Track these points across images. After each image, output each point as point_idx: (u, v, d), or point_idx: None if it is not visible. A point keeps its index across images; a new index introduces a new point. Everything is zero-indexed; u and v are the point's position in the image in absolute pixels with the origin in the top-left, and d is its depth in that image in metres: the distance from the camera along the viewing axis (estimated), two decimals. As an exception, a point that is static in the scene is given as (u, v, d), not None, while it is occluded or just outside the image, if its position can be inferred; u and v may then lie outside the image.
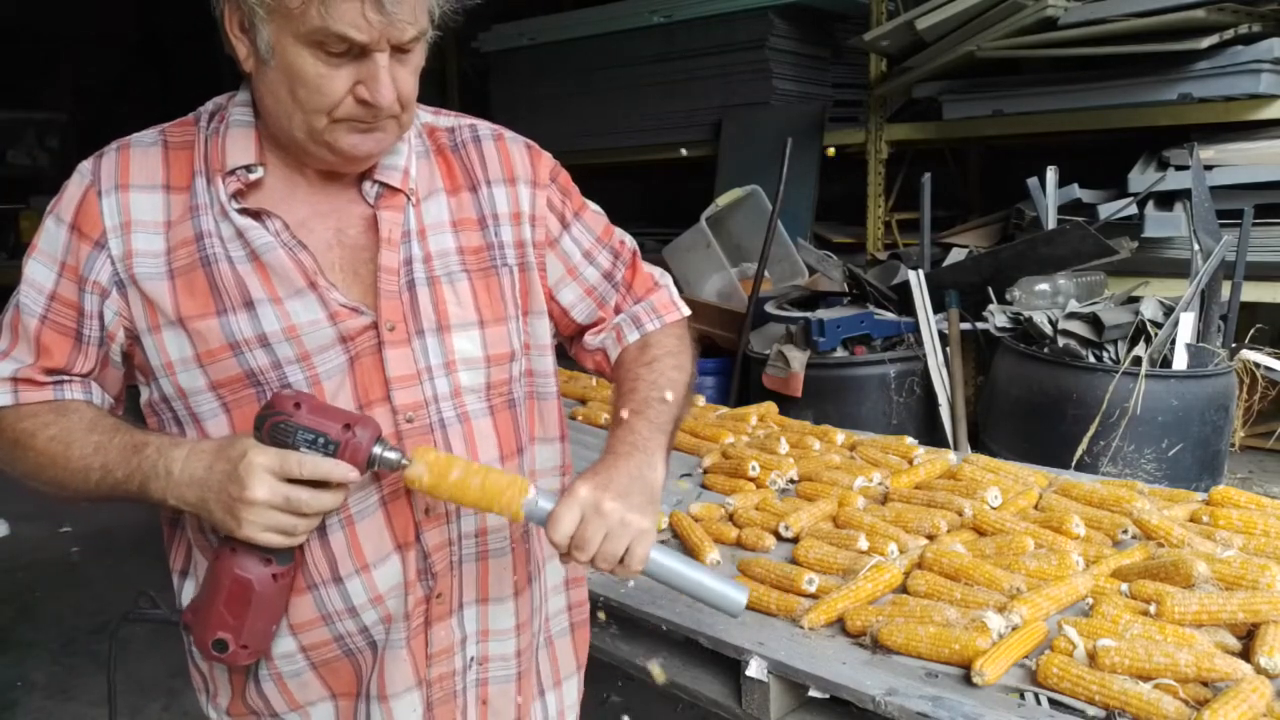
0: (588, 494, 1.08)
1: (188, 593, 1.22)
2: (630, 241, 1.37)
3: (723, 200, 4.68)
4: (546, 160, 1.29)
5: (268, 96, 1.09)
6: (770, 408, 3.06)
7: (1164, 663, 1.40)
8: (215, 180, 1.11)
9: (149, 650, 3.65)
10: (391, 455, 1.06)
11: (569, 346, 1.39)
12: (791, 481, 2.39)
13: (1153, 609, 1.57)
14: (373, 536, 1.14)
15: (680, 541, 2.13)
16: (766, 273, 4.31)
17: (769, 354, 3.76)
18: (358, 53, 1.03)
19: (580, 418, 3.07)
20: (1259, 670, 1.41)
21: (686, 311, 1.36)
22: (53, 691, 3.38)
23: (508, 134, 1.29)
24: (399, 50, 1.05)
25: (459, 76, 7.16)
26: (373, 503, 1.14)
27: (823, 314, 3.80)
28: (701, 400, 3.19)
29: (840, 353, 3.70)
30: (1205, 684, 1.40)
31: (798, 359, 3.63)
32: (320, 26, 1.00)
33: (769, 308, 4.05)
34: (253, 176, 1.11)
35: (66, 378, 1.14)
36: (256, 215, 1.11)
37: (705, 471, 2.50)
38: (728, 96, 5.40)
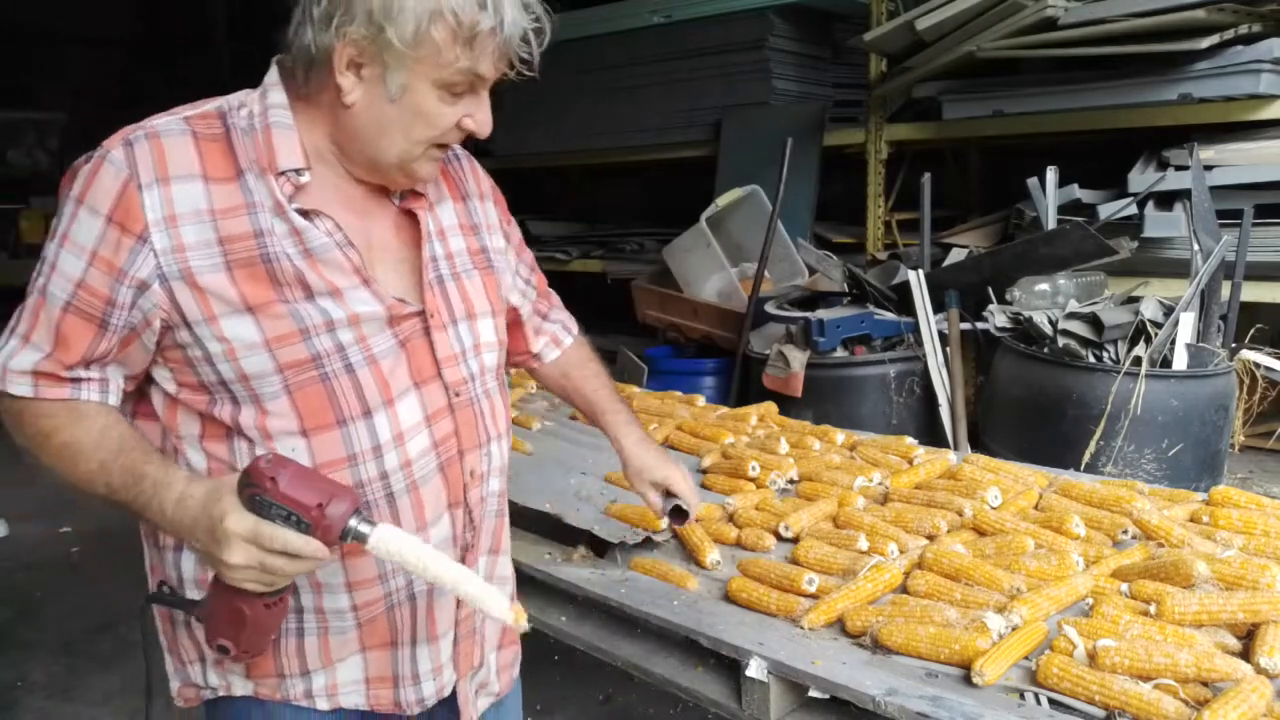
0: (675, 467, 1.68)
1: (187, 564, 1.25)
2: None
3: (723, 200, 4.68)
4: (492, 181, 1.48)
5: (372, 127, 1.17)
6: (770, 408, 3.06)
7: (1164, 663, 1.40)
8: (267, 178, 1.16)
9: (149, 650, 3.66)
10: (364, 529, 1.08)
11: None
12: (791, 481, 2.39)
13: (1153, 609, 1.57)
14: (431, 499, 1.26)
15: (680, 542, 2.13)
16: (766, 273, 4.31)
17: (769, 354, 3.76)
18: (468, 93, 1.18)
19: (580, 418, 3.07)
20: (1259, 670, 1.41)
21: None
22: (53, 691, 3.38)
23: (466, 153, 1.45)
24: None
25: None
26: (432, 468, 1.26)
27: (823, 314, 3.80)
28: (701, 400, 3.19)
29: (840, 353, 3.70)
30: (1205, 684, 1.40)
31: (798, 359, 3.63)
32: (467, 67, 1.14)
33: (769, 308, 4.05)
34: (302, 180, 1.18)
35: (84, 375, 1.16)
36: (306, 214, 1.18)
37: (705, 471, 2.50)
38: (728, 96, 5.39)
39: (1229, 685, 1.36)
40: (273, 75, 1.21)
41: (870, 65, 4.79)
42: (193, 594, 1.23)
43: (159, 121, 1.17)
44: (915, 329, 3.72)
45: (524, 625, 1.15)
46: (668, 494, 1.67)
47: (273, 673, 1.26)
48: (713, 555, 2.03)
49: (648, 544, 2.14)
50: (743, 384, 4.11)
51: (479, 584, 1.12)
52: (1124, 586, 1.69)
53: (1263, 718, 1.31)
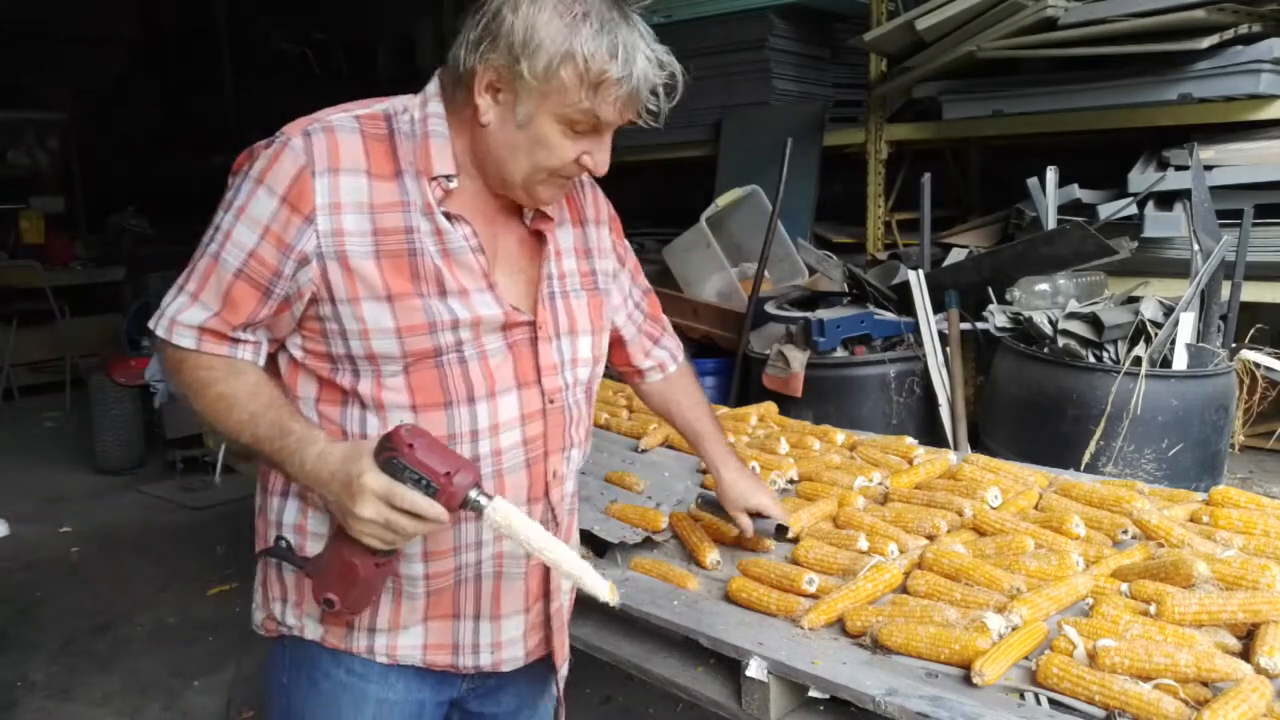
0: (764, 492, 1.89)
1: (290, 511, 1.39)
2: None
3: (723, 200, 4.68)
4: (610, 207, 1.58)
5: (502, 147, 1.29)
6: (770, 408, 3.06)
7: (1164, 663, 1.40)
8: (422, 181, 1.29)
9: (149, 650, 3.66)
10: (483, 500, 1.21)
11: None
12: (791, 481, 2.39)
13: (1153, 609, 1.57)
14: (514, 489, 1.37)
15: (680, 542, 2.13)
16: (766, 273, 4.31)
17: (769, 354, 3.76)
18: (592, 133, 1.28)
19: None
20: (1259, 670, 1.41)
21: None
22: (53, 691, 3.39)
23: (594, 182, 1.54)
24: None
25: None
26: (519, 461, 1.38)
27: (823, 314, 3.80)
28: (701, 400, 3.19)
29: (840, 353, 3.70)
30: (1205, 684, 1.40)
31: (798, 359, 3.63)
32: (589, 109, 1.24)
33: (769, 308, 4.05)
34: (452, 185, 1.31)
35: (244, 337, 1.30)
36: (450, 218, 1.31)
37: (705, 471, 2.50)
38: (728, 96, 5.39)
39: (1229, 685, 1.36)
40: (433, 85, 1.34)
41: (870, 65, 4.78)
42: (288, 537, 1.37)
43: (334, 117, 1.30)
44: (915, 329, 3.72)
45: (617, 601, 1.24)
46: (758, 515, 1.88)
47: (340, 623, 1.38)
48: (712, 555, 2.03)
49: (648, 544, 2.14)
50: (743, 384, 4.11)
51: (578, 560, 1.23)
52: (1124, 586, 1.69)
53: (1263, 718, 1.31)
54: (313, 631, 1.40)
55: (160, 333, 1.30)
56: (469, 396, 1.32)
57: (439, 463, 1.17)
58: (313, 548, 1.35)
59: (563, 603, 1.52)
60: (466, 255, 1.31)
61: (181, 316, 1.29)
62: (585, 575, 1.23)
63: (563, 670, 1.54)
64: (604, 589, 1.22)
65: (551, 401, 1.40)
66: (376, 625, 1.38)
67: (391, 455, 1.17)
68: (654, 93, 1.26)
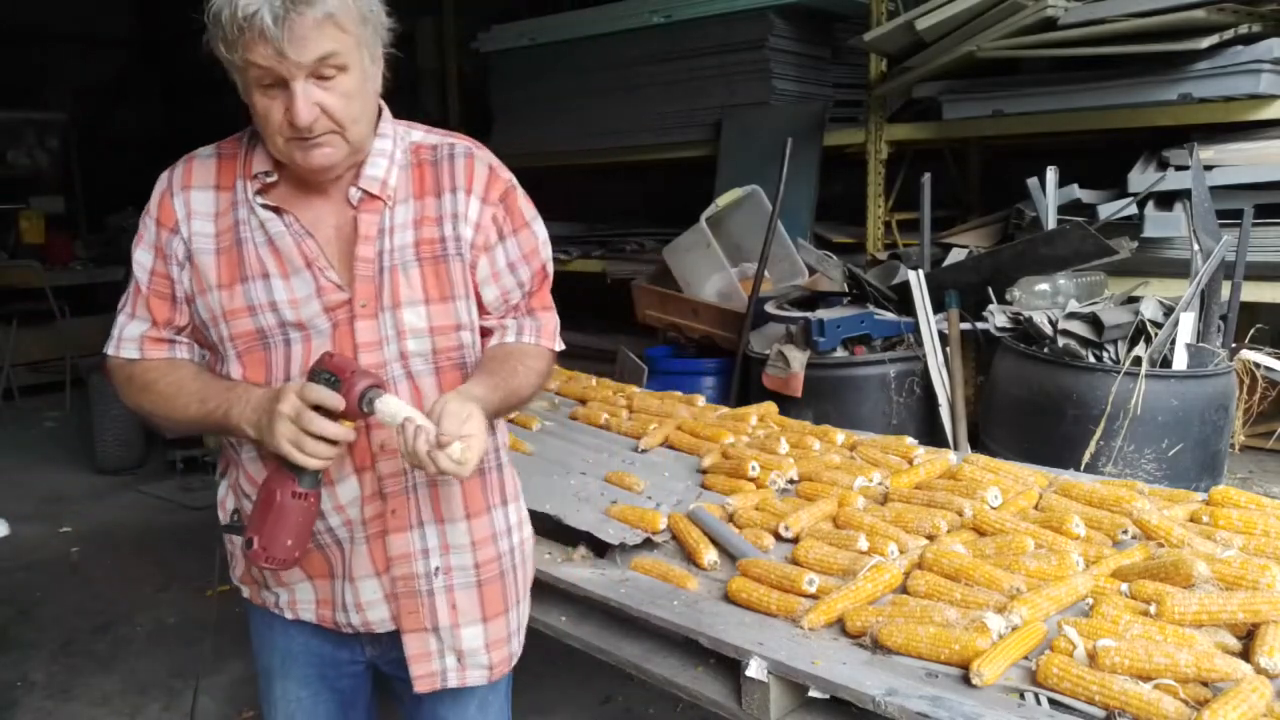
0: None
1: (221, 491, 1.62)
2: (549, 267, 1.63)
3: (723, 200, 4.67)
4: (501, 182, 1.56)
5: (256, 125, 1.42)
6: (770, 408, 3.06)
7: (1164, 663, 1.40)
8: (247, 181, 1.46)
9: (149, 650, 3.66)
10: (374, 395, 1.33)
11: None
12: (791, 481, 2.39)
13: (1153, 609, 1.57)
14: (337, 461, 1.42)
15: (678, 542, 2.13)
16: (766, 273, 4.31)
17: (769, 354, 3.76)
18: (282, 84, 1.33)
19: (580, 418, 3.07)
20: (1259, 670, 1.41)
21: (559, 347, 1.66)
22: (53, 691, 3.38)
23: (479, 154, 1.56)
24: (319, 78, 1.34)
25: (459, 77, 7.15)
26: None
27: (823, 314, 3.80)
28: (701, 400, 3.19)
29: (840, 353, 3.70)
30: (1205, 684, 1.40)
31: (798, 359, 3.63)
32: (248, 62, 1.31)
33: (769, 308, 4.05)
34: (269, 180, 1.46)
35: (178, 339, 1.51)
36: (276, 210, 1.45)
37: (705, 471, 2.50)
38: (728, 96, 5.39)
39: (1229, 685, 1.36)
40: None
41: (870, 65, 4.78)
42: (237, 504, 1.55)
43: (200, 149, 1.51)
44: (915, 329, 3.72)
45: (457, 452, 1.27)
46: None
47: (252, 581, 1.61)
48: (710, 556, 2.03)
49: (648, 544, 2.14)
50: (743, 384, 4.11)
51: (425, 420, 1.31)
52: (1124, 586, 1.69)
53: (1263, 718, 1.31)
54: (247, 593, 1.65)
55: (110, 352, 1.52)
56: (287, 375, 1.45)
57: (348, 367, 1.35)
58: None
59: (413, 570, 1.51)
60: (286, 240, 1.45)
61: (125, 333, 1.51)
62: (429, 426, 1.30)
63: (423, 643, 1.54)
64: (456, 448, 1.28)
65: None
66: (269, 584, 1.57)
67: (315, 366, 1.36)
68: (280, 14, 1.28)
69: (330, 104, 1.36)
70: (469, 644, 1.56)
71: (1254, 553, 1.79)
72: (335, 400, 1.32)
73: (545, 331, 1.62)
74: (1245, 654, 1.47)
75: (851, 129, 5.03)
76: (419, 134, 1.56)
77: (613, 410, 3.06)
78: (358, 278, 1.45)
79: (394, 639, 1.55)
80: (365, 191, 1.47)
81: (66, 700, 3.33)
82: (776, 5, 5.13)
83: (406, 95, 6.69)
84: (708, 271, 4.62)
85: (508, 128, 6.46)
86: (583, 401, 3.24)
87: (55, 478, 5.77)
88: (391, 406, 1.33)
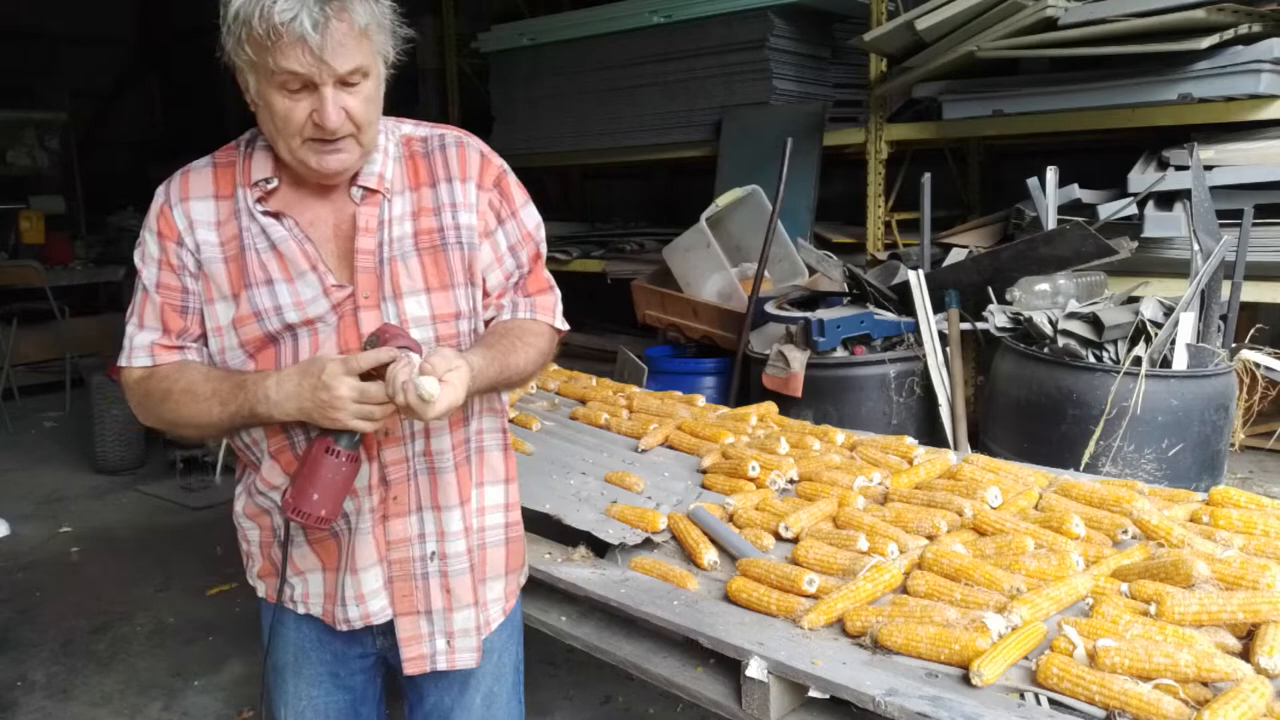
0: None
1: (237, 490, 1.64)
2: (543, 248, 1.66)
3: (723, 200, 4.68)
4: (494, 168, 1.59)
5: (264, 128, 1.44)
6: (770, 408, 3.06)
7: (1164, 663, 1.40)
8: (247, 189, 1.48)
9: (149, 650, 3.66)
10: (409, 354, 1.34)
11: None
12: (791, 481, 2.39)
13: (1153, 609, 1.56)
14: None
15: (678, 542, 2.13)
16: (766, 273, 4.31)
17: (769, 354, 3.76)
18: (310, 88, 1.35)
19: (580, 418, 3.07)
20: (1259, 670, 1.41)
21: (563, 325, 1.66)
22: (53, 691, 3.38)
23: (470, 142, 1.59)
24: (344, 84, 1.37)
25: (459, 77, 7.16)
26: None
27: (823, 314, 3.80)
28: (701, 400, 3.19)
29: (840, 353, 3.70)
30: (1205, 684, 1.40)
31: (798, 359, 3.63)
32: (279, 66, 1.32)
33: (769, 308, 4.05)
34: (270, 186, 1.48)
35: (188, 344, 1.52)
36: (277, 216, 1.48)
37: (705, 471, 2.50)
38: (728, 96, 5.39)
39: (1229, 685, 1.36)
40: None
41: (870, 65, 4.79)
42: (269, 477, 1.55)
43: (195, 161, 1.52)
44: (915, 329, 3.72)
45: (428, 386, 1.28)
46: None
47: (270, 573, 1.62)
48: (709, 556, 2.03)
49: (648, 544, 2.14)
50: (743, 384, 4.11)
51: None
52: (1124, 586, 1.69)
53: (1263, 718, 1.31)
54: (262, 590, 1.66)
55: (123, 363, 1.52)
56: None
57: (400, 337, 1.38)
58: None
59: (410, 554, 1.54)
60: (289, 244, 1.47)
61: (135, 342, 1.52)
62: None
63: (415, 626, 1.56)
64: (430, 382, 1.29)
65: None
66: (286, 574, 1.57)
67: (370, 336, 1.41)
68: (318, 20, 1.30)
69: (353, 108, 1.39)
70: (460, 625, 1.58)
71: (1254, 553, 1.79)
72: (384, 354, 1.33)
73: (543, 307, 1.63)
74: (1245, 654, 1.47)
75: (851, 129, 5.03)
76: (408, 127, 1.59)
77: (613, 410, 3.06)
78: (359, 270, 1.47)
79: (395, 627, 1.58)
80: (365, 188, 1.50)
81: (66, 700, 3.33)
82: (776, 5, 5.14)
83: (407, 95, 6.69)
84: (708, 271, 4.62)
85: (508, 128, 6.47)
86: (583, 401, 3.24)
87: (55, 478, 5.77)
88: (407, 369, 1.33)
